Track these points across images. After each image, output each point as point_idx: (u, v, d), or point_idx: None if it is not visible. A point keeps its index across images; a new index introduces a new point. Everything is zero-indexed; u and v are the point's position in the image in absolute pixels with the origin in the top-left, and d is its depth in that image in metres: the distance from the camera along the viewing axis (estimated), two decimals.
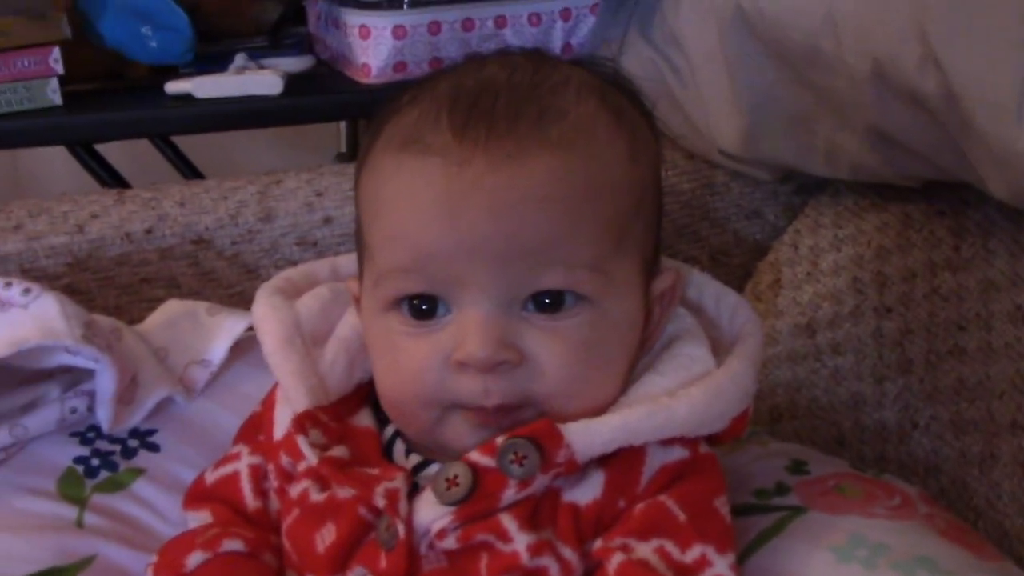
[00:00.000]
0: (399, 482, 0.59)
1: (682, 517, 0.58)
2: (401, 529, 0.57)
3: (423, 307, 0.59)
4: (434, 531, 0.57)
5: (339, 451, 0.62)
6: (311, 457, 0.61)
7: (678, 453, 0.60)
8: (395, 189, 0.59)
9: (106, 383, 0.73)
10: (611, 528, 0.58)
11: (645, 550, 0.57)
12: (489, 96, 0.59)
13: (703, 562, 0.57)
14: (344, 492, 0.60)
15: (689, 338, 0.64)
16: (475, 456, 0.57)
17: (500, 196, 0.56)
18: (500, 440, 0.57)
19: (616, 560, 0.56)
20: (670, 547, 0.57)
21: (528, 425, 0.57)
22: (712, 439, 0.63)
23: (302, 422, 0.62)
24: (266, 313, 0.68)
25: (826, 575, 0.60)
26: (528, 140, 0.57)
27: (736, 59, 0.90)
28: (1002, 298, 0.79)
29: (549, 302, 0.58)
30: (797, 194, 1.06)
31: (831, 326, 0.92)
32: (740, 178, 1.06)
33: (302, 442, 0.62)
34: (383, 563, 0.58)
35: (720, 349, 0.64)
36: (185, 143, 1.35)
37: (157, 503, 0.74)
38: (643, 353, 0.64)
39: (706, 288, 0.69)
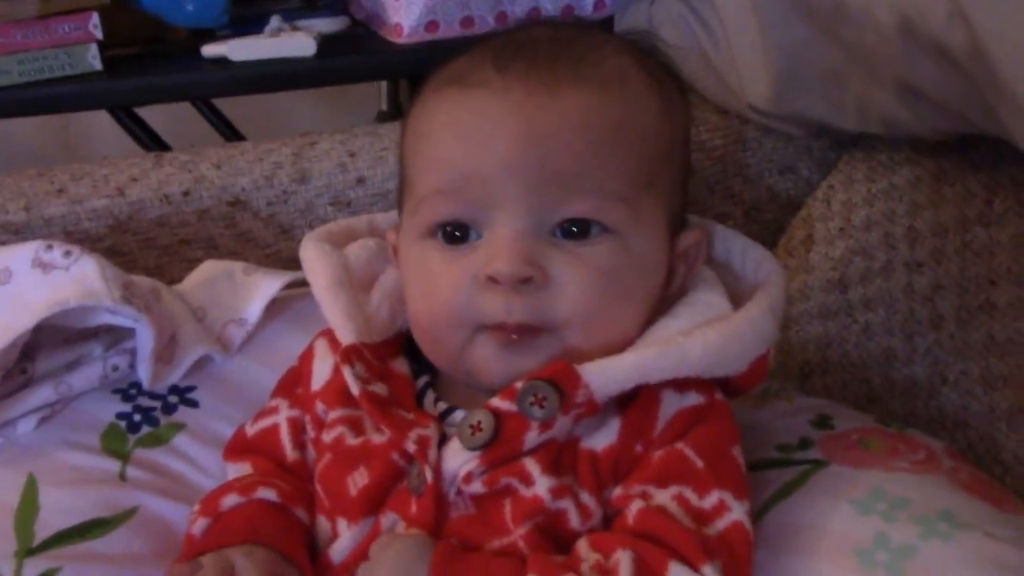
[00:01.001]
0: (431, 430, 0.61)
1: (699, 463, 0.59)
2: (429, 475, 0.59)
3: (456, 233, 0.62)
4: (461, 475, 0.59)
5: (379, 388, 0.64)
6: (354, 388, 0.63)
7: (693, 399, 0.61)
8: (436, 118, 0.63)
9: (145, 341, 0.76)
10: (630, 475, 0.60)
11: (664, 497, 0.58)
12: (532, 44, 0.63)
13: (721, 507, 0.58)
14: (378, 437, 0.63)
15: (705, 286, 0.65)
16: (496, 402, 0.59)
17: (536, 121, 0.59)
18: (519, 384, 0.59)
19: (635, 507, 0.58)
20: (688, 493, 0.58)
21: (546, 367, 0.59)
22: (734, 388, 0.64)
23: (349, 354, 0.65)
24: (317, 256, 0.71)
25: (846, 528, 0.61)
26: (566, 77, 0.61)
27: (767, 15, 0.89)
28: None
29: (577, 230, 0.61)
30: (831, 149, 1.05)
31: (863, 281, 0.92)
32: (773, 134, 1.05)
33: (347, 372, 0.64)
34: (413, 508, 0.60)
35: (743, 299, 0.65)
36: (226, 105, 1.37)
37: (197, 457, 0.77)
38: (662, 303, 0.65)
39: (733, 243, 0.70)
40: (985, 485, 0.67)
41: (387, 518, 0.61)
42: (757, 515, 0.64)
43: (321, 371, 0.69)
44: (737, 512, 0.58)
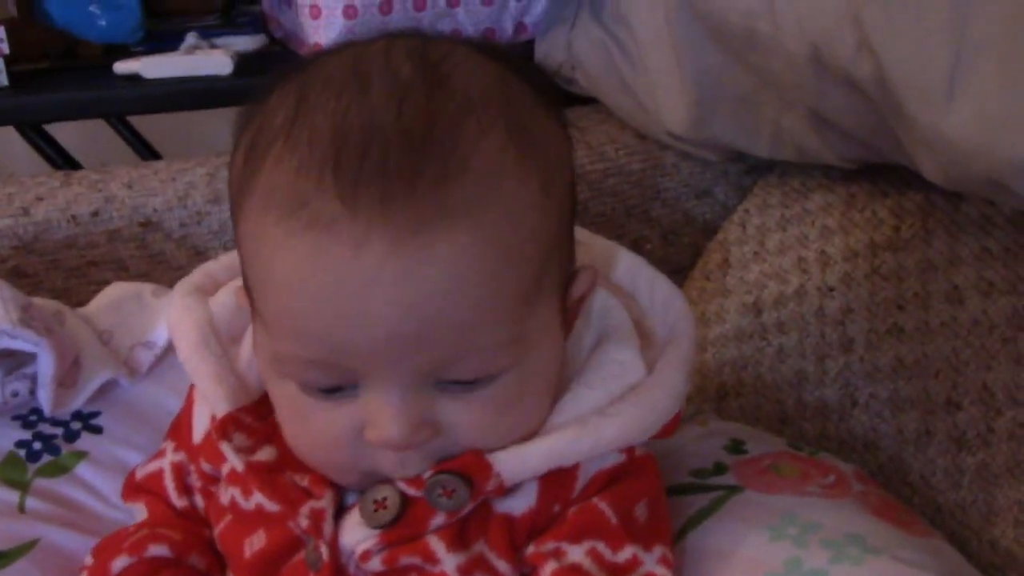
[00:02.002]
0: (325, 501, 0.57)
1: (614, 520, 0.58)
2: (325, 552, 0.56)
3: (327, 388, 0.55)
4: (358, 553, 0.56)
5: (266, 453, 0.60)
6: (237, 464, 0.59)
7: (613, 459, 0.59)
8: (285, 271, 0.51)
9: (46, 366, 0.73)
10: (544, 532, 0.58)
11: (578, 553, 0.57)
12: (379, 146, 0.50)
13: (634, 561, 0.57)
14: (271, 505, 0.59)
15: (618, 338, 0.61)
16: (403, 485, 0.56)
17: (404, 288, 0.50)
18: (427, 475, 0.55)
19: (549, 568, 0.56)
20: (601, 548, 0.57)
21: (455, 459, 0.55)
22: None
23: (224, 427, 0.60)
24: (180, 316, 0.65)
25: (759, 553, 0.61)
26: (429, 209, 0.49)
27: (683, 41, 0.90)
28: (939, 278, 0.80)
29: (462, 383, 0.54)
30: (747, 174, 1.07)
31: (776, 305, 0.93)
32: (690, 158, 1.06)
33: (226, 448, 0.59)
34: None
35: (653, 340, 0.63)
36: (140, 122, 1.33)
37: (100, 486, 0.74)
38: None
39: (639, 273, 0.67)
40: (894, 508, 0.68)
41: None
42: (674, 542, 0.64)
43: (202, 420, 0.65)
44: (649, 564, 0.58)
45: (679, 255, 1.06)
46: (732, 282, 1.00)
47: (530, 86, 0.57)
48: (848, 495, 0.67)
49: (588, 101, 1.14)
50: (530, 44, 1.20)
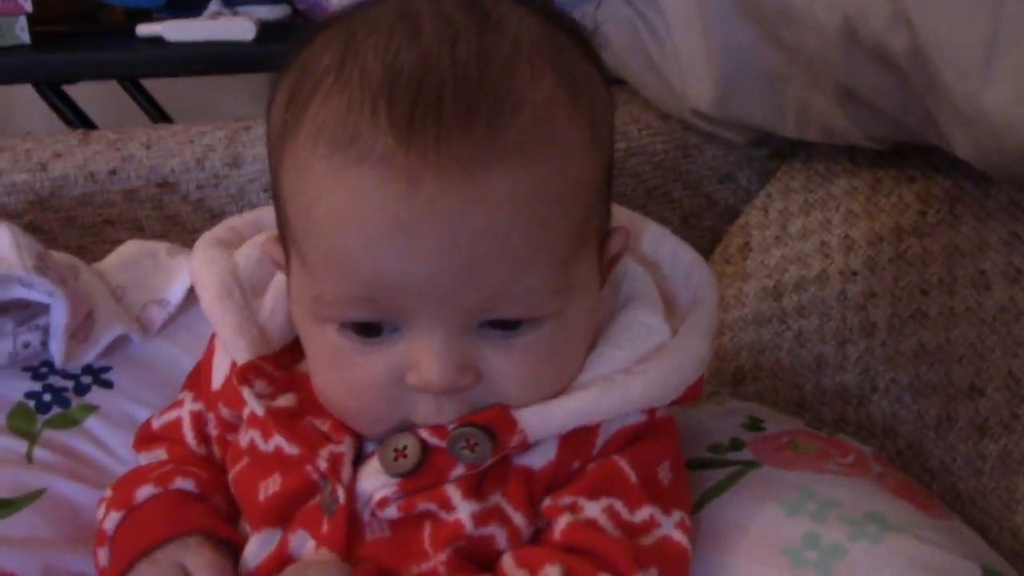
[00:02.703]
0: (345, 446, 0.57)
1: (633, 478, 0.57)
2: (341, 495, 0.56)
3: (368, 327, 0.54)
4: (375, 500, 0.56)
5: (286, 400, 0.60)
6: (258, 408, 0.59)
7: (635, 418, 0.59)
8: (334, 207, 0.51)
9: (59, 316, 0.73)
10: (563, 486, 0.57)
11: (594, 509, 0.56)
12: (432, 85, 0.50)
13: (651, 522, 0.57)
14: (290, 448, 0.59)
15: (644, 302, 0.61)
16: (425, 435, 0.55)
17: (456, 224, 0.49)
18: (452, 427, 0.55)
19: (564, 521, 0.56)
20: (619, 507, 0.56)
21: (481, 412, 0.55)
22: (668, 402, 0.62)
23: (246, 373, 0.60)
24: (202, 267, 0.65)
25: (776, 527, 0.60)
26: (484, 147, 0.49)
27: (710, 16, 0.89)
28: (966, 263, 0.79)
29: (506, 325, 0.54)
30: (771, 159, 1.06)
31: (797, 289, 0.92)
32: (714, 141, 1.05)
33: (247, 394, 0.59)
34: (324, 528, 0.57)
35: (674, 308, 0.63)
36: (157, 90, 1.33)
37: (109, 440, 0.74)
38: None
39: (663, 243, 0.66)
40: (913, 490, 0.66)
41: (296, 536, 0.58)
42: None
43: (220, 368, 0.65)
44: (666, 527, 0.57)
45: (699, 239, 1.05)
46: (752, 266, 0.98)
47: (577, 40, 0.57)
48: (867, 475, 0.66)
49: (613, 82, 1.13)
50: None
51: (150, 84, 1.30)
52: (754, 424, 0.72)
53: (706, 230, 1.07)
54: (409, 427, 0.56)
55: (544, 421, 0.55)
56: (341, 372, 0.56)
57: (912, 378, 0.79)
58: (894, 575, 0.56)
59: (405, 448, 0.55)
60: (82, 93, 1.21)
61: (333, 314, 0.54)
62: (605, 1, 1.07)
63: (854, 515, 0.60)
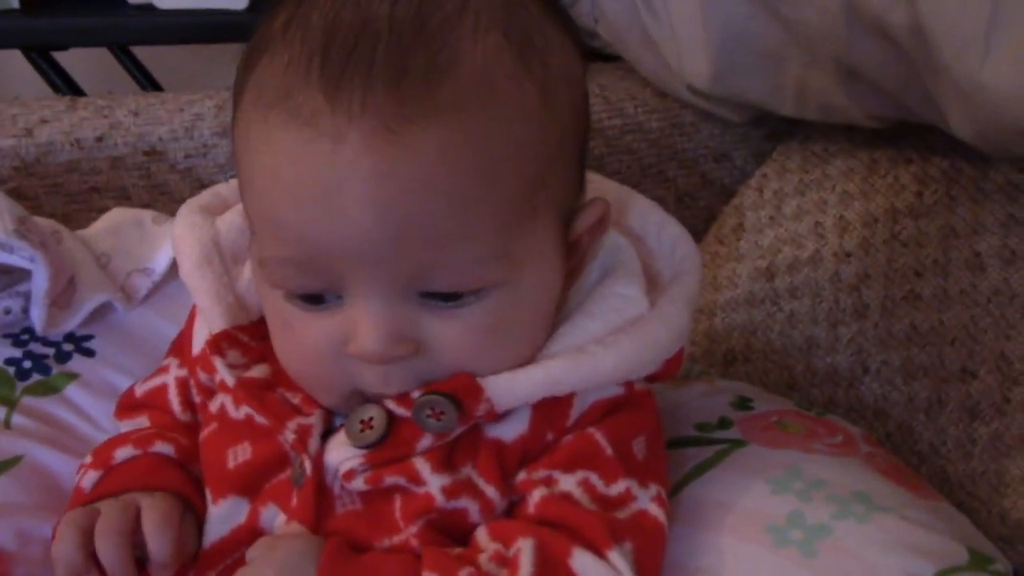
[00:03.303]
0: (314, 419, 0.56)
1: (609, 451, 0.56)
2: (308, 467, 0.55)
3: (312, 297, 0.54)
4: (342, 471, 0.55)
5: (259, 370, 0.59)
6: (228, 379, 0.59)
7: (612, 390, 0.57)
8: (265, 164, 0.51)
9: (40, 281, 0.72)
10: (537, 458, 0.56)
11: (569, 482, 0.55)
12: (368, 40, 0.49)
13: (627, 496, 0.56)
14: (260, 419, 0.58)
15: (623, 274, 0.59)
16: (391, 404, 0.54)
17: (380, 185, 0.48)
18: (416, 395, 0.54)
19: (538, 494, 0.55)
20: (595, 479, 0.55)
21: (447, 380, 0.54)
22: (647, 377, 0.61)
23: (218, 343, 0.60)
24: (183, 232, 0.64)
25: (761, 505, 0.59)
26: (413, 104, 0.48)
27: None
28: (961, 245, 0.78)
29: (447, 296, 0.52)
30: (767, 140, 1.05)
31: (790, 270, 0.91)
32: (710, 119, 1.04)
33: (219, 364, 0.59)
34: (294, 501, 0.56)
35: (658, 283, 0.61)
36: (148, 59, 1.31)
37: (89, 409, 0.73)
38: (569, 286, 0.59)
39: (649, 217, 0.65)
40: (901, 471, 0.66)
41: (267, 510, 0.57)
42: (673, 492, 0.62)
43: (200, 334, 0.64)
44: (642, 501, 0.56)
45: (693, 218, 1.04)
46: (746, 247, 0.97)
47: (543, 1, 0.55)
48: (855, 455, 0.65)
49: (609, 59, 1.11)
50: None
51: (141, 53, 1.28)
52: (743, 403, 0.72)
53: (701, 210, 1.06)
54: (361, 396, 0.55)
55: (511, 389, 0.54)
56: (291, 338, 0.55)
57: (904, 360, 0.78)
58: (879, 554, 0.55)
59: (371, 419, 0.54)
60: (72, 61, 1.20)
61: (276, 278, 0.54)
62: None
63: (841, 494, 0.59)
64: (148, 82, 1.22)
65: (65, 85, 1.15)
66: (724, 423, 0.68)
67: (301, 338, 0.55)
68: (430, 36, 0.49)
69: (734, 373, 0.92)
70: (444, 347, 0.53)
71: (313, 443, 0.56)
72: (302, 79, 0.49)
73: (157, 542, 0.55)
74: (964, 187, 0.80)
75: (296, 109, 0.49)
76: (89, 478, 0.61)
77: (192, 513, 0.59)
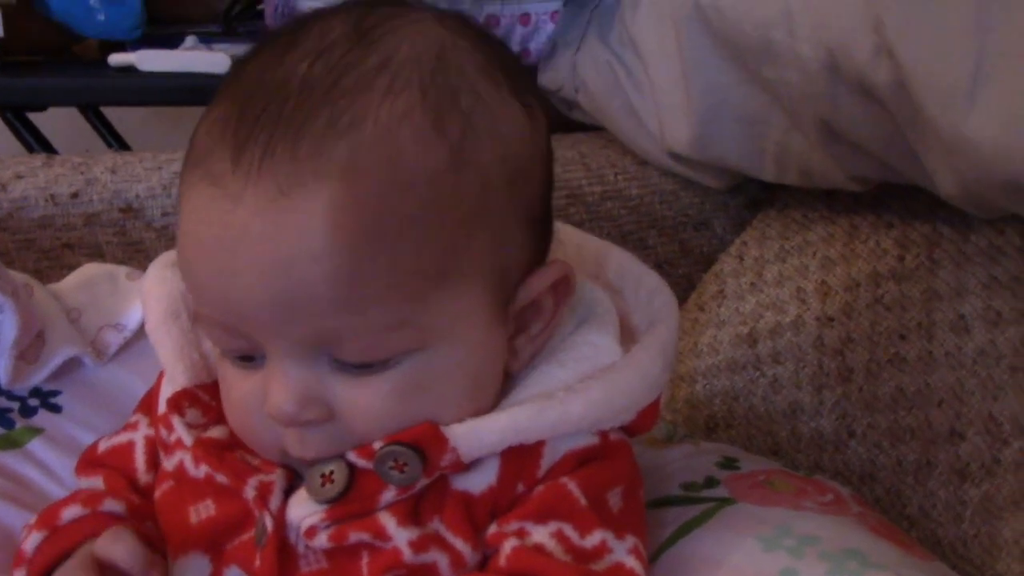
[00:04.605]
0: (276, 476, 0.55)
1: (583, 501, 0.54)
2: (269, 524, 0.53)
3: (242, 354, 0.53)
4: (303, 528, 0.53)
5: (219, 431, 0.58)
6: (186, 438, 0.57)
7: (585, 439, 0.55)
8: (183, 223, 0.51)
9: (8, 331, 0.69)
10: (508, 510, 0.54)
11: (542, 534, 0.53)
12: (278, 101, 0.49)
13: (602, 548, 0.53)
14: (221, 478, 0.56)
15: (596, 324, 0.58)
16: (352, 456, 0.53)
17: (267, 251, 0.47)
18: (378, 445, 0.52)
19: (509, 546, 0.52)
20: (569, 531, 0.53)
21: (408, 430, 0.52)
22: (624, 429, 0.59)
23: (179, 401, 0.59)
24: (152, 287, 0.64)
25: (751, 562, 0.57)
26: (306, 166, 0.47)
27: (691, 59, 0.89)
28: (944, 307, 0.78)
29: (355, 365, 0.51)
30: (747, 208, 1.05)
31: (772, 335, 0.90)
32: (690, 188, 1.04)
33: (177, 422, 0.58)
34: (257, 562, 0.54)
35: (635, 334, 0.60)
36: (122, 122, 1.30)
37: (53, 465, 0.70)
38: (540, 345, 0.57)
39: (628, 271, 0.64)
40: (894, 531, 0.64)
41: (231, 572, 0.55)
42: (660, 551, 0.60)
43: (165, 393, 0.62)
44: (618, 553, 0.53)
45: (673, 286, 1.00)
46: (727, 313, 0.97)
47: (490, 61, 0.54)
48: (846, 513, 0.64)
49: (589, 130, 1.12)
50: (533, 70, 1.18)
51: (115, 118, 1.28)
52: (729, 463, 0.70)
53: (680, 277, 1.05)
54: (289, 457, 0.54)
55: (476, 438, 0.52)
56: (227, 394, 0.56)
57: (890, 423, 0.77)
58: None
59: (332, 473, 0.52)
60: (40, 120, 1.19)
61: (207, 334, 0.55)
62: (584, 47, 1.07)
63: (833, 551, 0.57)
64: (119, 143, 1.21)
65: (40, 146, 1.14)
66: (711, 482, 0.67)
67: (233, 394, 0.55)
68: (338, 96, 0.49)
69: (717, 439, 0.90)
70: (355, 413, 0.52)
71: (274, 500, 0.54)
72: (218, 139, 0.49)
73: (121, 556, 0.53)
74: (946, 250, 0.80)
75: (208, 169, 0.49)
76: (32, 540, 0.58)
77: (151, 546, 0.56)
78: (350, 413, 0.52)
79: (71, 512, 0.58)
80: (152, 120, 1.26)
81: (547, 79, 1.12)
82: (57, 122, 1.20)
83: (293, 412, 0.51)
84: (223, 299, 0.50)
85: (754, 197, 1.03)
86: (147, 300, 0.64)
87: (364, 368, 0.51)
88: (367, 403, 0.51)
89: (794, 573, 0.56)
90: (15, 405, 0.73)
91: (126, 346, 0.78)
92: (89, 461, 0.66)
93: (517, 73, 0.56)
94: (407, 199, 0.49)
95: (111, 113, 1.31)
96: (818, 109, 0.76)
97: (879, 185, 0.86)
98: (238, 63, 0.53)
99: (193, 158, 0.51)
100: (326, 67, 0.50)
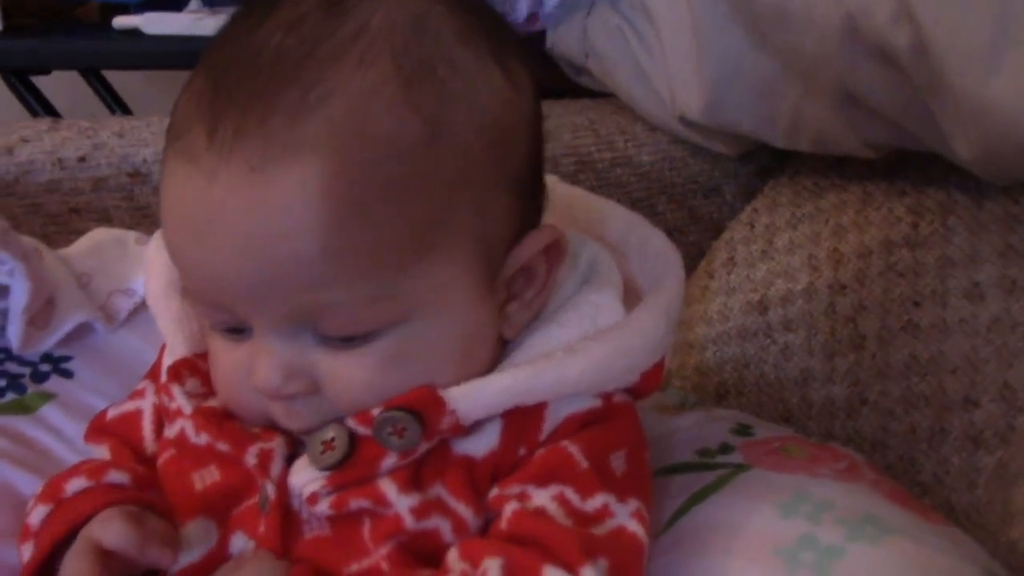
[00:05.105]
0: (277, 443, 0.54)
1: (584, 464, 0.53)
2: (271, 491, 0.53)
3: (228, 327, 0.53)
4: (305, 495, 0.53)
5: (218, 401, 0.57)
6: (185, 407, 0.57)
7: (587, 402, 0.55)
8: (164, 198, 0.51)
9: (19, 295, 0.69)
10: (509, 474, 0.54)
11: (543, 497, 0.52)
12: (250, 75, 0.48)
13: (604, 511, 0.53)
14: (221, 446, 0.56)
15: (597, 284, 0.57)
16: (352, 423, 0.52)
17: (244, 228, 0.47)
18: (376, 412, 0.51)
19: (509, 509, 0.52)
20: (570, 494, 0.53)
21: (406, 394, 0.51)
22: (629, 391, 0.58)
23: (179, 370, 0.59)
24: (154, 255, 0.63)
25: (769, 528, 0.57)
26: (277, 142, 0.47)
27: (704, 23, 0.88)
28: (959, 274, 0.77)
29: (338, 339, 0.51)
30: (757, 176, 1.05)
31: (783, 303, 0.90)
32: (700, 154, 1.04)
33: (177, 391, 0.58)
34: (261, 528, 0.54)
35: (641, 296, 0.59)
36: (124, 91, 1.29)
37: (65, 430, 0.69)
38: (536, 310, 0.57)
39: (632, 232, 0.62)
40: (909, 497, 0.64)
41: (236, 537, 0.55)
42: (675, 516, 0.60)
43: (167, 362, 0.62)
44: (621, 516, 0.53)
45: (683, 254, 1.01)
46: (737, 280, 0.96)
47: (469, 25, 0.53)
48: (861, 480, 0.63)
49: (596, 96, 1.11)
50: (542, 35, 1.17)
51: (117, 83, 1.26)
52: (743, 430, 0.70)
53: (690, 245, 1.05)
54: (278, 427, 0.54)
55: (475, 400, 0.52)
56: (215, 366, 0.56)
57: (903, 390, 0.77)
58: None
59: (333, 439, 0.52)
60: (46, 90, 1.18)
61: (194, 308, 0.55)
62: (595, 11, 1.06)
63: (850, 517, 0.57)
64: (121, 108, 1.20)
65: (44, 110, 1.13)
66: (726, 448, 0.67)
67: (220, 366, 0.55)
68: (310, 68, 0.48)
69: (727, 407, 0.90)
70: (340, 386, 0.52)
71: (275, 467, 0.54)
72: (194, 114, 0.49)
73: (112, 541, 0.52)
74: (960, 217, 0.80)
75: (185, 145, 0.49)
76: (38, 513, 0.58)
77: (156, 514, 0.55)
78: (335, 386, 0.52)
79: (75, 484, 0.58)
80: (154, 84, 1.25)
81: (556, 44, 1.11)
82: (58, 87, 1.18)
83: (278, 385, 0.51)
84: (205, 276, 0.50)
85: (765, 164, 1.02)
86: (149, 269, 0.64)
87: (348, 341, 0.51)
88: (351, 375, 0.51)
89: (812, 538, 0.55)
90: (26, 370, 0.72)
91: (136, 311, 0.78)
92: (97, 428, 0.65)
93: (499, 37, 0.55)
94: (382, 172, 0.48)
95: (112, 78, 1.29)
96: (834, 74, 0.75)
97: (892, 152, 0.86)
98: (218, 33, 0.52)
99: (172, 133, 0.51)
100: (299, 38, 0.49)
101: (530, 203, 0.57)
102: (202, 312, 0.54)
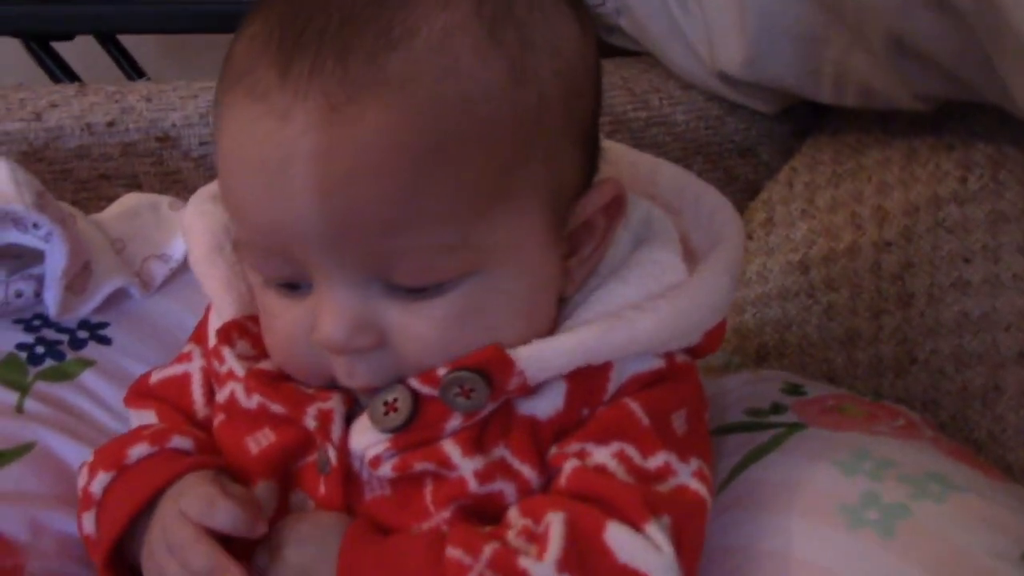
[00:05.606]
0: (334, 403, 0.53)
1: (646, 422, 0.52)
2: (333, 455, 0.52)
3: (285, 282, 0.52)
4: (368, 458, 0.51)
5: (270, 363, 0.56)
6: (238, 369, 0.56)
7: (651, 362, 0.54)
8: (224, 143, 0.49)
9: (57, 259, 0.68)
10: (570, 433, 0.53)
11: (604, 454, 0.51)
12: (324, 14, 0.47)
13: (666, 470, 0.52)
14: (276, 407, 0.55)
15: (657, 242, 0.56)
16: (416, 384, 0.51)
17: (322, 167, 0.45)
18: (442, 372, 0.50)
19: (569, 467, 0.51)
20: (631, 451, 0.52)
21: (474, 353, 0.50)
22: (689, 351, 0.57)
23: (229, 332, 0.57)
24: (194, 220, 0.62)
25: (831, 485, 0.56)
26: (358, 80, 0.45)
27: None
28: (1011, 229, 0.76)
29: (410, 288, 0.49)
30: (794, 136, 1.03)
31: (826, 262, 0.88)
32: (736, 113, 1.02)
33: (228, 354, 0.57)
34: (322, 489, 0.53)
35: (697, 255, 0.58)
36: (141, 58, 1.27)
37: (106, 396, 0.69)
38: (590, 269, 0.55)
39: (686, 189, 0.61)
40: (969, 455, 0.63)
41: (296, 496, 0.54)
42: (730, 475, 0.59)
43: (215, 325, 0.60)
44: (683, 475, 0.52)
45: None
46: (776, 240, 0.95)
47: None
48: (920, 438, 0.62)
49: (628, 55, 1.09)
50: None
51: (134, 49, 1.24)
52: (794, 389, 0.69)
53: None
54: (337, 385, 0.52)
55: (544, 360, 0.51)
56: (270, 324, 0.54)
57: (954, 348, 0.75)
58: (963, 534, 0.52)
59: (396, 400, 0.51)
60: (68, 55, 1.16)
61: (249, 262, 0.53)
62: None
63: (913, 475, 0.56)
64: (138, 75, 1.18)
65: (66, 76, 1.11)
66: (778, 408, 0.65)
67: (277, 325, 0.53)
68: (388, 10, 0.47)
69: (767, 368, 0.89)
70: (408, 340, 0.50)
71: (336, 429, 0.53)
72: (260, 55, 0.47)
73: (224, 523, 0.50)
74: (1011, 171, 0.78)
75: (252, 86, 0.47)
76: (100, 481, 0.56)
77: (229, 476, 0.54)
78: (403, 340, 0.50)
79: (138, 450, 0.56)
80: (171, 54, 1.23)
81: (588, 3, 1.09)
82: (72, 55, 1.16)
83: (344, 339, 0.49)
84: (271, 222, 0.48)
85: (801, 124, 1.00)
86: (189, 235, 0.62)
87: (418, 293, 0.49)
88: (421, 330, 0.50)
89: (876, 496, 0.54)
90: (64, 337, 0.71)
91: (172, 277, 0.77)
92: (140, 392, 0.64)
93: None
94: (466, 113, 0.47)
95: (128, 45, 1.28)
96: (885, 23, 0.73)
97: (937, 108, 0.83)
98: None
99: (232, 74, 0.49)
100: None
101: (591, 157, 0.55)
102: (260, 265, 0.52)
